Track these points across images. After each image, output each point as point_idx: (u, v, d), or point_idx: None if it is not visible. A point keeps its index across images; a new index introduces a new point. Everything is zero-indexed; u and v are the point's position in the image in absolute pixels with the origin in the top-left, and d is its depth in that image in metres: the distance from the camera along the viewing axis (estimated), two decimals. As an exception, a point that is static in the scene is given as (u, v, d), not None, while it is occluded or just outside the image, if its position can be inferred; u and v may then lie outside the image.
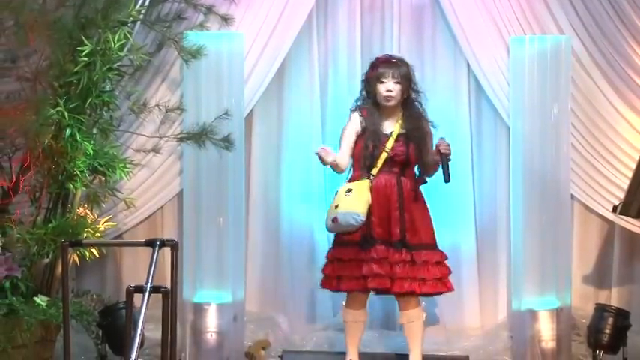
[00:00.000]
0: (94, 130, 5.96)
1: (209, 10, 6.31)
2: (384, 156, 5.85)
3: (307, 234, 6.67)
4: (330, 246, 5.99)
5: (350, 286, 5.85)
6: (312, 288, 6.59)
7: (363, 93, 6.01)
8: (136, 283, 3.89)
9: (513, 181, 6.55)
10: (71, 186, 5.86)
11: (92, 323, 6.11)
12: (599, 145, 6.55)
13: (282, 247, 6.75)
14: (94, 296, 6.30)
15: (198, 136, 6.22)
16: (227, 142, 6.22)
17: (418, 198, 5.92)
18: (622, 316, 6.37)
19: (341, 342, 6.09)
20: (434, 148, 5.95)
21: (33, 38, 5.66)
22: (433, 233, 5.94)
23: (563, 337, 6.41)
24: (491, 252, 6.77)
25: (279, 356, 6.27)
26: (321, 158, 5.75)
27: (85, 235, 5.82)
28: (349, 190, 5.81)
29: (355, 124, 5.92)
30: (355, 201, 5.76)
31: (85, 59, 5.72)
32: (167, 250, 4.06)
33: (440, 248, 5.94)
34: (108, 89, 5.93)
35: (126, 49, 5.91)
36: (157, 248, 3.95)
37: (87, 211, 6.04)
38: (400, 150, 5.87)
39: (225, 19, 6.34)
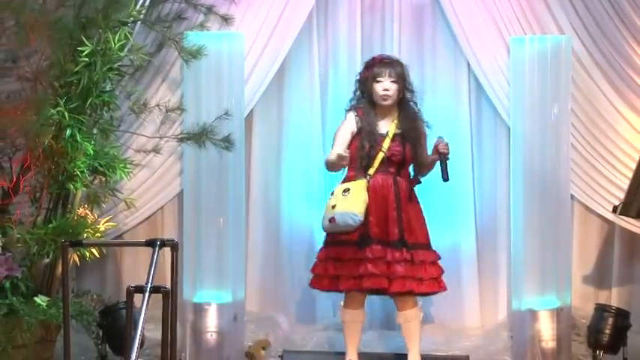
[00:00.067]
0: (95, 131, 5.97)
1: (209, 10, 6.31)
2: (380, 156, 5.85)
3: (307, 234, 6.67)
4: (322, 245, 5.98)
5: (347, 286, 5.85)
6: (313, 288, 6.59)
7: (358, 93, 6.01)
8: (136, 283, 3.89)
9: (513, 181, 6.55)
10: (71, 186, 5.87)
11: (92, 323, 6.11)
12: (599, 145, 6.55)
13: (282, 247, 6.75)
14: (94, 296, 6.30)
15: (199, 137, 6.22)
16: (227, 142, 6.22)
17: (413, 198, 5.93)
18: (622, 316, 6.37)
19: (341, 342, 6.09)
20: (428, 148, 5.96)
21: (33, 38, 5.66)
22: (427, 233, 5.96)
23: (563, 337, 6.41)
24: (491, 252, 6.77)
25: (279, 356, 6.27)
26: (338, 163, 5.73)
27: (85, 235, 5.82)
28: (346, 190, 5.81)
29: (351, 124, 5.92)
30: (353, 201, 5.76)
31: (86, 59, 5.73)
32: (167, 250, 4.06)
33: (433, 248, 5.94)
34: (108, 89, 5.93)
35: (126, 49, 5.91)
36: (157, 248, 3.95)
37: (87, 211, 6.04)
38: (396, 150, 5.87)
39: (226, 19, 6.35)
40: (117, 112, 6.13)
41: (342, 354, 5.98)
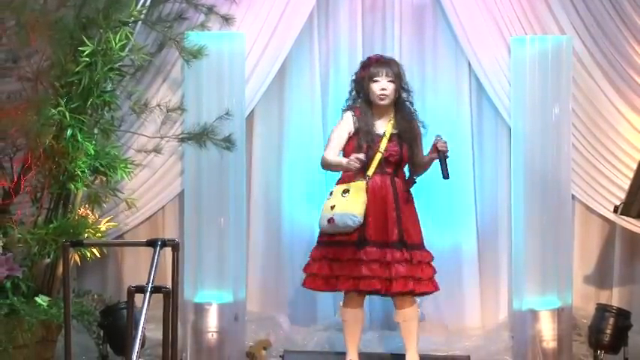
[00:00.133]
0: (95, 131, 5.97)
1: (210, 10, 6.32)
2: (378, 156, 5.84)
3: (308, 234, 6.65)
4: (315, 245, 5.97)
5: (346, 286, 5.85)
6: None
7: (353, 93, 6.01)
8: (137, 283, 3.89)
9: (514, 181, 6.55)
10: (72, 186, 5.87)
11: (93, 323, 6.11)
12: (600, 145, 6.55)
13: (283, 247, 6.75)
14: (95, 296, 6.30)
15: (200, 136, 6.22)
16: (228, 142, 6.23)
17: (409, 198, 5.93)
18: (623, 316, 6.37)
19: (342, 342, 6.08)
20: (424, 147, 5.96)
21: (34, 38, 5.66)
22: (422, 233, 5.94)
23: (564, 337, 6.41)
24: (492, 252, 6.77)
25: (280, 356, 6.27)
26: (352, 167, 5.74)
27: (86, 235, 5.82)
28: (346, 191, 5.80)
29: (348, 124, 5.91)
30: (352, 202, 5.75)
31: (86, 59, 5.73)
32: (168, 250, 4.06)
33: (427, 248, 5.95)
34: (109, 89, 5.93)
35: (127, 49, 5.92)
36: (158, 248, 3.95)
37: (88, 211, 6.04)
38: (394, 150, 5.87)
39: (226, 19, 6.35)
40: (118, 112, 6.14)
41: (343, 354, 5.98)
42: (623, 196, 6.13)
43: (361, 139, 5.84)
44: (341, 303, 5.99)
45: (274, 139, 6.80)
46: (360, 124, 5.87)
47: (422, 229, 5.95)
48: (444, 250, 6.69)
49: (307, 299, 6.61)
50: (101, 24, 5.83)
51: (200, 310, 6.39)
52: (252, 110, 6.67)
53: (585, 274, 6.77)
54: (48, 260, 5.87)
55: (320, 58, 6.79)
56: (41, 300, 5.70)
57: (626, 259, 6.69)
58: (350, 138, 5.90)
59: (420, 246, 5.90)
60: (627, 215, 6.10)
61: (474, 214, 6.76)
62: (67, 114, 5.74)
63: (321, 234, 5.91)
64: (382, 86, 5.88)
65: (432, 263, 5.93)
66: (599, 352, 6.36)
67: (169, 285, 3.96)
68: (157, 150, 6.36)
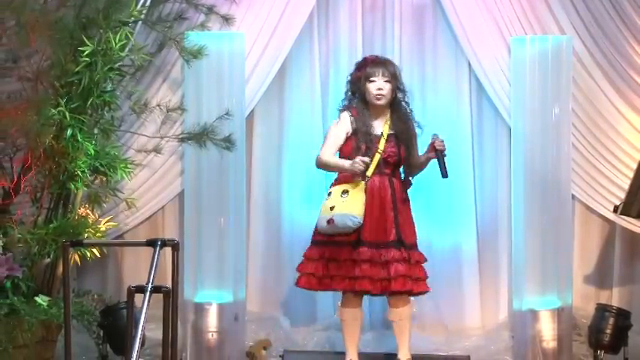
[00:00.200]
0: (95, 130, 5.97)
1: (210, 10, 6.33)
2: (377, 157, 5.84)
3: (308, 234, 6.62)
4: (310, 245, 5.97)
5: (342, 286, 5.85)
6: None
7: (349, 94, 6.01)
8: (137, 283, 3.89)
9: (514, 181, 6.55)
10: (72, 186, 5.87)
11: (93, 323, 6.11)
12: (600, 145, 6.56)
13: (283, 247, 6.75)
14: (95, 296, 6.30)
15: (200, 136, 6.23)
16: (228, 142, 6.23)
17: (406, 199, 5.93)
18: (623, 316, 6.37)
19: (342, 342, 6.08)
20: (419, 148, 5.96)
21: (34, 38, 5.66)
22: (416, 235, 5.94)
23: (564, 337, 6.41)
24: (492, 252, 6.77)
25: (280, 356, 6.27)
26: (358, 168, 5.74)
27: (86, 235, 5.83)
28: (345, 192, 5.80)
29: (346, 125, 5.90)
30: (352, 203, 5.75)
31: (86, 59, 5.73)
32: (168, 250, 4.06)
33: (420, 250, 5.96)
34: (109, 89, 5.93)
35: (127, 49, 5.92)
36: (158, 248, 3.95)
37: (88, 211, 6.04)
38: (392, 151, 5.87)
39: (227, 19, 6.36)
40: (118, 112, 6.14)
41: (343, 354, 5.98)
42: (623, 196, 6.13)
43: (360, 140, 5.84)
44: (339, 303, 6.00)
45: (274, 139, 6.80)
46: (357, 125, 5.87)
47: (416, 231, 5.95)
48: (444, 250, 6.70)
49: (307, 299, 6.61)
50: (101, 24, 5.83)
51: (200, 309, 6.39)
52: (252, 110, 6.67)
53: (585, 274, 6.77)
54: (48, 260, 5.88)
55: (320, 58, 6.79)
56: (41, 300, 5.70)
57: (626, 259, 6.69)
58: (348, 139, 5.90)
59: (415, 247, 5.91)
60: (627, 215, 6.10)
61: (474, 214, 6.76)
62: (67, 114, 5.74)
63: (317, 234, 5.91)
64: (379, 86, 5.88)
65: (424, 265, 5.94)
66: (599, 352, 6.36)
67: (169, 285, 3.96)
68: (157, 150, 6.36)
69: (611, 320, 6.35)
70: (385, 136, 5.88)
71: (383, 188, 5.85)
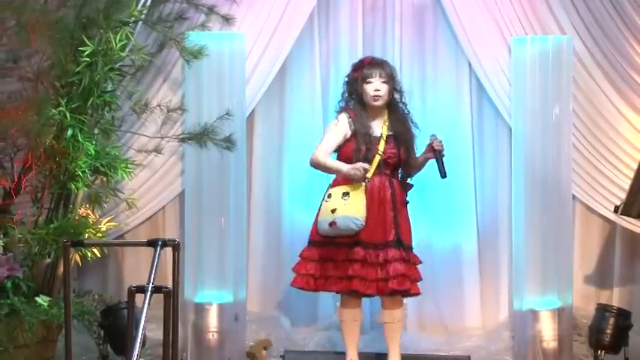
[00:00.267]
0: (96, 131, 5.98)
1: (210, 10, 6.33)
2: (377, 158, 5.84)
3: (308, 234, 6.66)
4: (308, 245, 5.96)
5: (339, 287, 5.85)
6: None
7: (346, 95, 6.00)
8: (138, 283, 3.89)
9: (515, 181, 6.55)
10: (73, 186, 5.87)
11: (94, 323, 6.11)
12: (600, 146, 6.56)
13: (283, 247, 6.75)
14: (96, 296, 6.31)
15: (200, 137, 6.23)
16: (229, 143, 6.23)
17: (404, 200, 5.93)
18: (623, 316, 6.37)
19: (342, 342, 6.09)
20: (417, 148, 5.96)
21: (34, 38, 5.66)
22: (412, 236, 5.94)
23: (564, 338, 6.41)
24: (492, 252, 6.77)
25: (280, 356, 6.27)
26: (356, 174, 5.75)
27: (86, 235, 5.83)
28: (346, 194, 5.79)
29: (344, 127, 5.89)
30: (354, 205, 5.74)
31: (87, 59, 5.73)
32: (169, 250, 4.06)
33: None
34: (109, 89, 5.93)
35: (127, 49, 5.92)
36: (158, 248, 3.96)
37: (88, 211, 6.04)
38: (392, 152, 5.87)
39: (227, 19, 6.36)
40: (118, 112, 6.14)
41: (344, 354, 5.97)
42: (623, 196, 6.13)
43: (360, 142, 5.83)
44: (338, 304, 6.00)
45: (275, 140, 6.80)
46: (356, 127, 5.86)
47: (412, 233, 5.95)
48: (444, 250, 6.70)
49: (308, 299, 6.60)
50: (102, 24, 5.83)
51: (200, 310, 6.40)
52: (253, 110, 6.67)
53: (586, 274, 6.77)
54: (48, 260, 5.88)
55: (320, 59, 6.79)
56: (42, 300, 5.70)
57: (626, 259, 6.69)
58: (347, 141, 5.89)
59: (412, 248, 5.91)
60: (628, 215, 6.10)
61: (475, 214, 6.76)
62: (68, 114, 5.74)
63: (315, 234, 5.90)
64: (376, 87, 5.87)
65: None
66: (599, 352, 6.36)
67: (170, 285, 3.96)
68: (157, 150, 6.36)
69: (612, 320, 6.35)
70: (384, 138, 5.87)
71: (383, 189, 5.84)
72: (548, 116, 6.43)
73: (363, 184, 5.79)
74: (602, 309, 6.43)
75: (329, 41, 6.81)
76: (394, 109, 5.96)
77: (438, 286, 6.72)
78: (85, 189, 5.98)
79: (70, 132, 5.77)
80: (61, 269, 5.89)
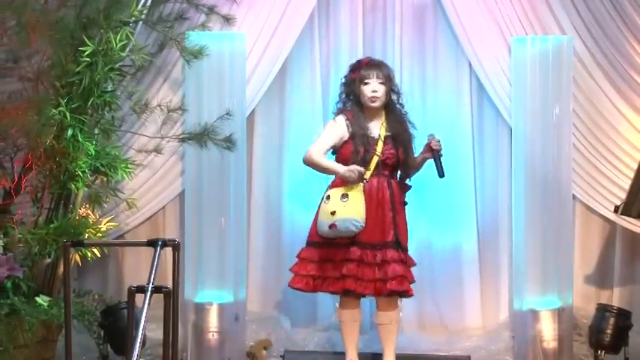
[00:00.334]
0: (96, 131, 5.98)
1: (211, 10, 6.33)
2: (375, 159, 5.84)
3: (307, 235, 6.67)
4: (306, 245, 5.96)
5: (336, 287, 5.85)
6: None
7: (343, 96, 6.00)
8: (138, 283, 3.89)
9: (515, 181, 6.55)
10: (73, 186, 5.87)
11: (94, 323, 6.11)
12: (600, 146, 6.56)
13: (283, 247, 6.75)
14: (96, 296, 6.31)
15: (200, 137, 6.23)
16: (229, 143, 6.23)
17: (403, 201, 5.93)
18: (624, 316, 6.37)
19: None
20: (415, 148, 5.96)
21: (35, 38, 5.66)
22: (407, 237, 5.94)
23: (564, 338, 6.41)
24: (492, 252, 6.77)
25: (280, 356, 6.27)
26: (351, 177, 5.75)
27: (86, 235, 5.83)
28: (345, 196, 5.78)
29: (341, 128, 5.88)
30: (353, 207, 5.74)
31: (87, 59, 5.73)
32: (169, 250, 4.06)
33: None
34: (110, 89, 5.94)
35: (128, 49, 5.92)
36: (158, 248, 3.96)
37: (88, 211, 6.04)
38: (390, 153, 5.86)
39: (227, 20, 6.36)
40: (118, 112, 6.14)
41: (344, 354, 5.97)
42: (623, 196, 6.13)
43: (357, 144, 5.83)
44: (337, 304, 6.00)
45: (275, 140, 6.80)
46: (354, 128, 5.86)
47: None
48: (444, 250, 6.70)
49: (308, 299, 6.60)
50: (102, 24, 5.83)
51: (201, 310, 6.40)
52: (253, 110, 6.67)
53: (586, 274, 6.77)
54: (48, 260, 5.88)
55: (321, 59, 6.79)
56: (42, 300, 5.70)
57: (626, 259, 6.69)
58: (345, 142, 5.88)
59: (407, 250, 5.91)
60: (628, 215, 6.10)
61: (475, 214, 6.76)
62: (68, 114, 5.74)
63: (313, 235, 5.90)
64: (373, 88, 5.87)
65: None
66: (599, 352, 6.36)
67: (170, 285, 3.96)
68: (157, 150, 6.36)
69: (612, 320, 6.35)
70: (382, 139, 5.87)
71: (381, 189, 5.84)
72: (548, 116, 6.43)
73: (362, 185, 5.79)
74: (603, 309, 6.43)
75: (329, 41, 6.80)
76: (392, 110, 5.96)
77: (438, 286, 6.72)
78: (85, 189, 5.98)
79: (70, 132, 5.77)
80: (61, 269, 5.89)
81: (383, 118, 5.93)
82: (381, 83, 5.88)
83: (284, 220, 6.76)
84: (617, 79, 6.52)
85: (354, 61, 6.15)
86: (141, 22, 6.17)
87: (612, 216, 6.51)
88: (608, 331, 6.33)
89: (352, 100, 5.94)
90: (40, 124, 5.63)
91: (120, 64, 5.95)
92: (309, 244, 5.93)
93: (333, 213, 5.74)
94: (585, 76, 6.55)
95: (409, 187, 5.98)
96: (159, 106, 6.29)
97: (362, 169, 5.74)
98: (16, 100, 5.86)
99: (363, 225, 5.73)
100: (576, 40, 6.51)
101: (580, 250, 6.73)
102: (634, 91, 6.51)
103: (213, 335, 6.38)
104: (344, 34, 6.77)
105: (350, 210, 5.73)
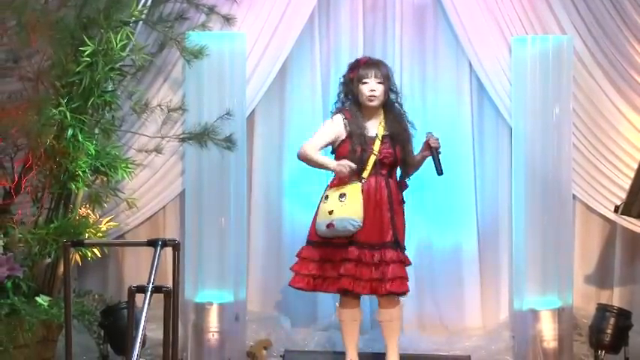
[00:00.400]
0: (96, 130, 5.98)
1: (211, 10, 6.33)
2: (372, 159, 5.84)
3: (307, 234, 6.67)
4: (306, 245, 5.96)
5: (336, 286, 5.85)
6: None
7: (342, 95, 6.00)
8: (138, 283, 3.89)
9: (515, 181, 6.55)
10: (73, 186, 5.87)
11: (94, 323, 6.11)
12: (600, 145, 6.56)
13: (283, 247, 6.75)
14: (96, 296, 6.31)
15: (200, 136, 6.23)
16: (229, 142, 6.23)
17: (401, 200, 5.93)
18: (624, 316, 6.37)
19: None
20: (414, 147, 5.96)
21: (35, 38, 5.66)
22: (405, 236, 5.95)
23: (565, 337, 6.41)
24: (493, 252, 6.77)
25: (281, 356, 6.27)
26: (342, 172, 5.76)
27: (86, 235, 5.83)
28: (343, 195, 5.79)
29: (338, 127, 5.88)
30: (351, 206, 5.75)
31: (87, 59, 5.73)
32: (169, 250, 4.06)
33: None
34: (110, 89, 5.94)
35: (128, 49, 5.92)
36: (158, 248, 3.96)
37: (89, 211, 6.04)
38: (388, 152, 5.86)
39: (227, 19, 6.36)
40: (118, 112, 6.15)
41: (344, 354, 5.97)
42: (623, 195, 6.13)
43: (355, 143, 5.83)
44: (337, 304, 6.00)
45: (275, 139, 6.80)
46: (351, 128, 5.86)
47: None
48: (444, 250, 6.70)
49: (308, 299, 6.60)
50: (102, 24, 5.83)
51: (201, 309, 6.40)
52: (253, 110, 6.67)
53: (586, 274, 6.77)
54: (49, 260, 5.88)
55: (321, 59, 6.79)
56: (42, 300, 5.70)
57: (626, 259, 6.69)
58: (343, 141, 5.88)
59: (405, 248, 5.91)
60: (628, 215, 6.09)
61: (475, 214, 6.76)
62: (68, 114, 5.74)
63: (313, 234, 5.90)
64: (371, 87, 5.87)
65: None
66: (599, 352, 6.36)
67: (170, 285, 3.96)
68: (157, 150, 6.36)
69: (612, 320, 6.34)
70: (380, 138, 5.87)
71: (379, 189, 5.84)
72: (548, 116, 6.43)
73: (360, 184, 5.79)
74: (603, 309, 6.43)
75: (329, 41, 6.81)
76: (390, 109, 5.96)
77: (438, 286, 6.73)
78: (86, 189, 5.98)
79: (70, 132, 5.77)
80: (61, 269, 5.89)
81: (381, 117, 5.93)
82: (379, 83, 5.88)
83: (284, 219, 6.77)
84: (617, 78, 6.52)
85: (353, 60, 6.16)
86: (141, 22, 6.18)
87: (612, 216, 6.51)
88: (609, 331, 6.33)
89: (351, 100, 5.94)
90: (41, 124, 5.63)
91: (120, 63, 5.95)
92: (309, 242, 5.93)
93: (330, 212, 5.75)
94: (585, 75, 6.55)
95: (407, 186, 5.98)
96: (159, 105, 6.29)
97: (353, 164, 5.74)
98: (17, 100, 5.86)
99: (361, 224, 5.73)
100: (576, 39, 6.51)
101: (580, 249, 6.73)
102: (634, 91, 6.52)
103: (213, 335, 6.38)
104: (344, 34, 6.77)
105: (348, 209, 5.74)
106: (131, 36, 5.91)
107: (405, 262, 5.86)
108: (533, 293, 6.43)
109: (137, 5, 6.00)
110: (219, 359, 6.37)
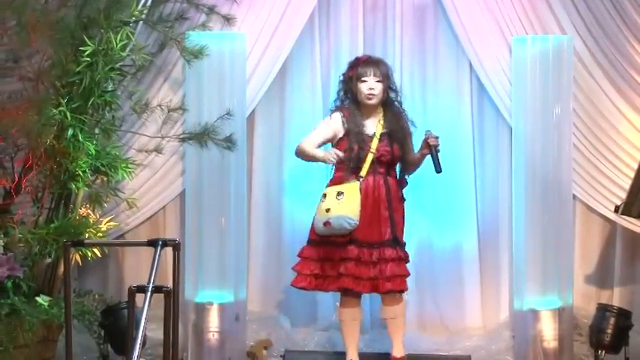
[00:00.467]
0: (96, 130, 5.98)
1: (211, 10, 6.33)
2: (370, 157, 5.84)
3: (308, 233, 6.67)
4: (306, 244, 5.97)
5: (336, 285, 5.86)
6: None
7: (341, 94, 6.01)
8: (138, 283, 3.89)
9: (515, 181, 6.55)
10: (73, 186, 5.87)
11: (94, 323, 6.11)
12: (601, 145, 6.56)
13: (283, 246, 6.75)
14: (96, 296, 6.31)
15: (201, 136, 6.23)
16: (229, 142, 6.23)
17: (400, 198, 5.93)
18: (624, 316, 6.37)
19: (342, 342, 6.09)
20: (413, 145, 5.96)
21: (35, 38, 5.66)
22: (403, 232, 5.95)
23: (565, 337, 6.41)
24: (493, 252, 6.77)
25: (281, 356, 6.27)
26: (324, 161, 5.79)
27: (87, 235, 5.83)
28: (340, 193, 5.79)
29: (336, 125, 5.90)
30: (348, 204, 5.75)
31: (87, 59, 5.73)
32: (169, 250, 4.06)
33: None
34: (110, 89, 5.94)
35: (128, 49, 5.92)
36: (159, 248, 3.95)
37: (89, 211, 6.04)
38: (385, 150, 5.87)
39: (228, 19, 6.36)
40: (119, 112, 6.15)
41: (344, 354, 5.98)
42: (624, 195, 6.13)
43: (352, 141, 5.84)
44: (337, 304, 6.00)
45: (275, 139, 6.80)
46: (349, 126, 5.87)
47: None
48: (444, 250, 6.70)
49: (308, 299, 6.61)
50: (102, 24, 5.83)
51: (201, 309, 6.40)
52: (253, 110, 6.67)
53: (586, 274, 6.77)
54: (49, 260, 5.88)
55: (321, 59, 6.79)
56: (42, 300, 5.70)
57: (626, 259, 6.69)
58: (341, 139, 5.89)
59: (404, 245, 5.91)
60: (628, 215, 6.10)
61: (475, 214, 6.76)
62: (68, 114, 5.74)
63: (313, 233, 5.91)
64: (370, 86, 5.88)
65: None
66: (600, 352, 6.36)
67: (170, 285, 3.96)
68: (157, 150, 6.36)
69: (612, 320, 6.34)
70: (378, 136, 5.87)
71: (377, 187, 5.85)
72: (548, 116, 6.43)
73: (358, 183, 5.80)
74: (603, 309, 6.43)
75: (329, 41, 6.81)
76: (389, 107, 5.97)
77: (439, 286, 6.72)
78: (86, 189, 5.98)
79: (70, 132, 5.77)
80: (61, 269, 5.89)
81: (380, 115, 5.94)
82: (378, 81, 5.88)
83: (284, 219, 6.77)
84: (617, 78, 6.53)
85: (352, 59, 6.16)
86: (141, 22, 6.18)
87: (612, 216, 6.51)
88: (609, 331, 6.34)
89: (350, 98, 5.95)
90: (41, 124, 5.63)
91: (120, 63, 5.95)
92: (309, 241, 5.94)
93: (328, 210, 5.76)
94: (585, 75, 6.55)
95: (406, 184, 5.99)
96: (159, 105, 6.29)
97: (340, 152, 5.75)
98: (17, 100, 5.86)
99: (357, 223, 5.74)
100: (576, 39, 6.51)
101: (580, 249, 6.73)
102: (634, 91, 6.52)
103: (213, 335, 6.38)
104: (344, 34, 6.77)
105: (344, 207, 5.75)
106: (131, 36, 5.91)
107: (404, 259, 5.86)
108: (533, 293, 6.43)
109: (137, 5, 6.00)
110: (219, 359, 6.37)
